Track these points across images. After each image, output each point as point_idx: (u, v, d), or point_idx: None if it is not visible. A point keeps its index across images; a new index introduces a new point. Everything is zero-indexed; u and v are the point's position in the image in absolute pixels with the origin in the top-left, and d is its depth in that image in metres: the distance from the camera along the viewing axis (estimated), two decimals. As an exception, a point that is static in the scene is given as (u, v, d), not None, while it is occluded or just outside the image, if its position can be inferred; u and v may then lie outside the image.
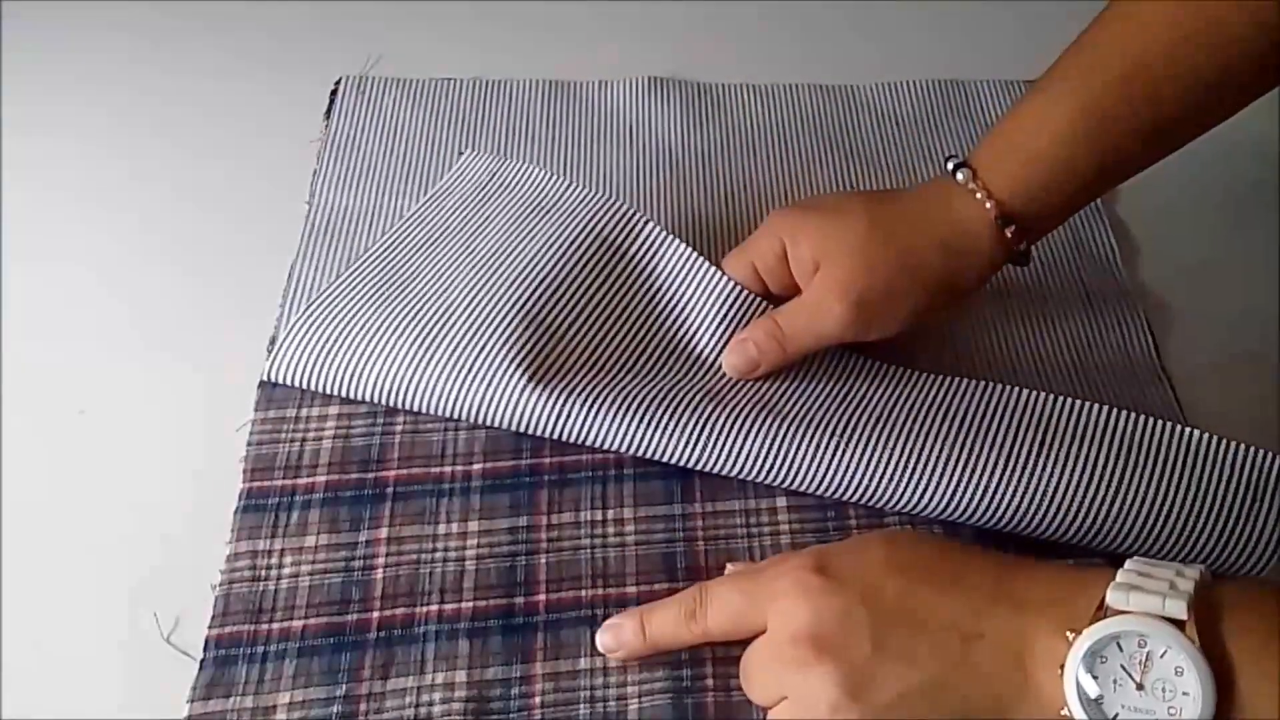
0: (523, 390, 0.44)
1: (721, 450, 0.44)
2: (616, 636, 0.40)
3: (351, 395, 0.46)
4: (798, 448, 0.43)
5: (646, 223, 0.49)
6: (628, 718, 0.39)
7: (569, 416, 0.44)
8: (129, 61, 0.63)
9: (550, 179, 0.52)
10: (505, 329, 0.45)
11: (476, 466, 0.46)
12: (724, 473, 0.44)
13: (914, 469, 0.42)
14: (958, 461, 0.42)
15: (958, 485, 0.42)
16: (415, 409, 0.46)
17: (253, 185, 0.57)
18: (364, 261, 0.49)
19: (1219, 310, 0.53)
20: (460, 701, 0.39)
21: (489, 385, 0.44)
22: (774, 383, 0.47)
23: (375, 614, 0.41)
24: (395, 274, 0.49)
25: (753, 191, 0.57)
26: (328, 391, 0.46)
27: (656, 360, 0.47)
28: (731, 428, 0.44)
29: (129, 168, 0.58)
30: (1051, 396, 0.45)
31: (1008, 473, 0.42)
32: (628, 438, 0.44)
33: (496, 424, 0.45)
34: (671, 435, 0.44)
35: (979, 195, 0.43)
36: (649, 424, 0.44)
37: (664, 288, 0.49)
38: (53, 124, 0.60)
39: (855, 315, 0.44)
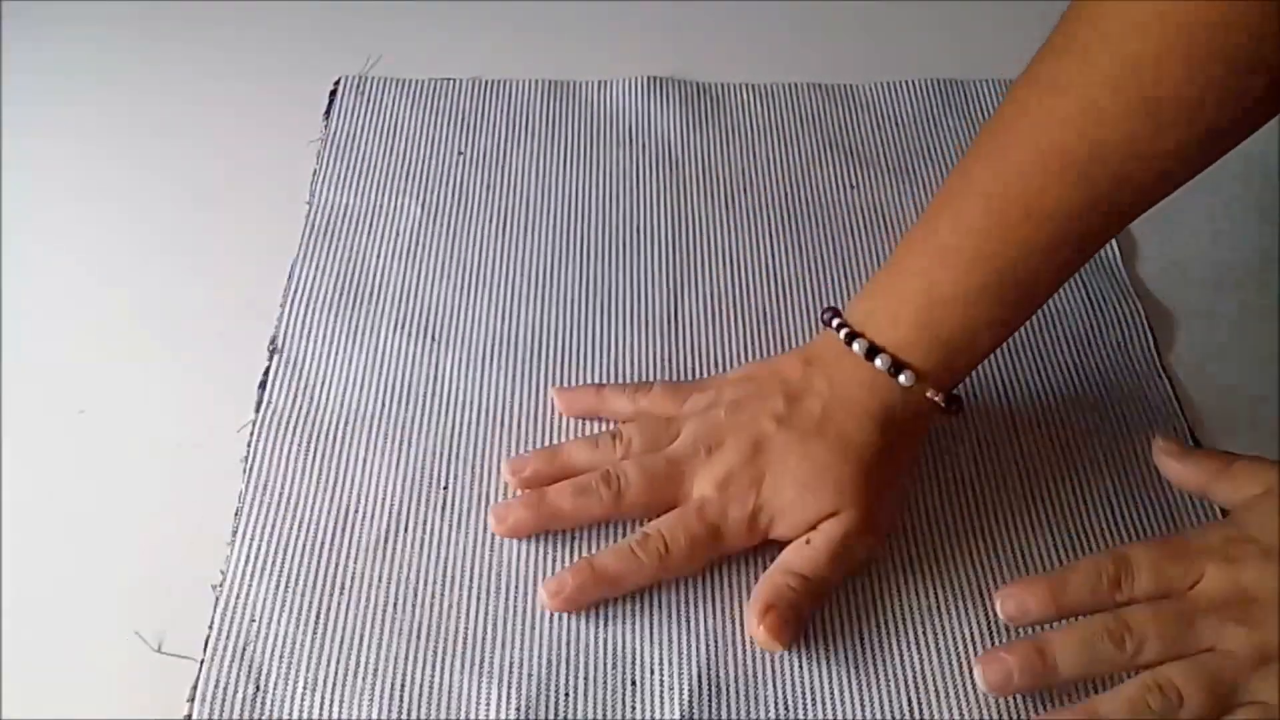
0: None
1: None
2: (1021, 606, 0.40)
3: None
4: None
5: None
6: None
7: None
8: (129, 61, 0.63)
9: None
10: None
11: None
12: None
13: None
14: None
15: None
16: None
17: (253, 185, 0.57)
18: None
19: (1219, 309, 0.53)
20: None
21: None
22: None
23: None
24: None
25: (753, 191, 0.57)
26: None
27: None
28: None
29: (129, 167, 0.58)
30: None
31: None
32: None
33: None
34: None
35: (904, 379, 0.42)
36: None
37: None
38: (53, 124, 0.60)
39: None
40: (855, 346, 0.42)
